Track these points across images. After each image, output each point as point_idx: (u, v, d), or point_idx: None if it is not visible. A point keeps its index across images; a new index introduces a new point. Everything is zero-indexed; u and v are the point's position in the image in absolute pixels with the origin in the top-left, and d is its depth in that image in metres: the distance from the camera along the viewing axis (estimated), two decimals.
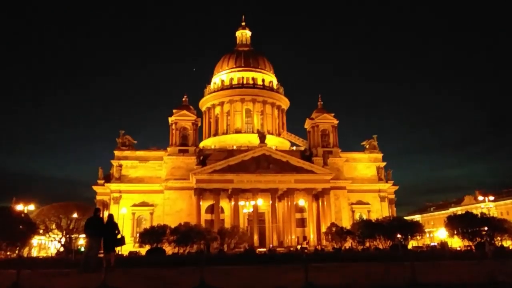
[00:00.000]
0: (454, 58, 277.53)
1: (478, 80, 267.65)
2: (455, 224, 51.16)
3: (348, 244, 59.02)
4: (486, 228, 47.84)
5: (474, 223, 48.97)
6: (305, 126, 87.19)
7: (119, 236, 20.47)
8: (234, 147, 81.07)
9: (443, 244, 65.50)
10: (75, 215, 55.96)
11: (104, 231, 20.00)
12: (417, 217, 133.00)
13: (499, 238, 49.42)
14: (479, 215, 51.26)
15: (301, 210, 79.33)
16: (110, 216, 21.62)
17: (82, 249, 64.04)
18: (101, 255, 20.81)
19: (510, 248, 51.55)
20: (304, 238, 76.75)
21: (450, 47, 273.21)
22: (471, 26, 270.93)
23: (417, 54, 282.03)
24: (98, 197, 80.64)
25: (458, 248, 55.03)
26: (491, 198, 76.43)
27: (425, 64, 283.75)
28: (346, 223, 69.33)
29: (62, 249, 55.42)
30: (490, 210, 76.22)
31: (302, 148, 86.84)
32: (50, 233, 57.11)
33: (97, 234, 19.80)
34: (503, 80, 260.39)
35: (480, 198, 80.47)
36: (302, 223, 79.25)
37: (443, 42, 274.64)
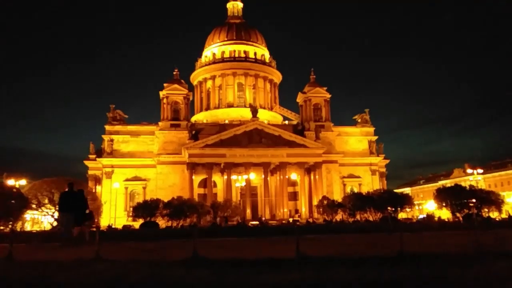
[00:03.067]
0: (445, 33, 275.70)
1: (470, 54, 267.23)
2: (443, 196, 52.20)
3: (339, 216, 60.05)
4: (474, 200, 48.88)
5: (462, 195, 49.97)
6: (298, 100, 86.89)
7: (87, 211, 21.00)
8: (226, 121, 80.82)
9: (429, 216, 67.02)
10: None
11: (76, 206, 20.29)
12: (407, 190, 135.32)
13: (486, 210, 50.63)
14: (468, 187, 52.28)
15: (293, 183, 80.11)
16: (80, 191, 21.97)
17: None
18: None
19: (497, 219, 52.87)
20: (296, 211, 77.85)
21: (442, 22, 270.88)
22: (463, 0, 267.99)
23: (409, 28, 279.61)
24: (90, 172, 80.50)
25: (447, 220, 56.37)
26: (480, 171, 77.76)
27: (417, 38, 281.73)
28: (338, 196, 70.32)
29: (55, 223, 55.57)
30: (478, 183, 77.72)
31: (295, 122, 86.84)
32: (42, 208, 57.14)
33: (68, 210, 20.08)
34: (494, 55, 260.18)
35: (469, 171, 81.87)
36: (294, 196, 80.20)
37: (435, 16, 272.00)
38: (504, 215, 58.17)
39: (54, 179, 57.13)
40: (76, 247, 17.69)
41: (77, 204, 20.42)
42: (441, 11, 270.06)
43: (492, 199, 50.14)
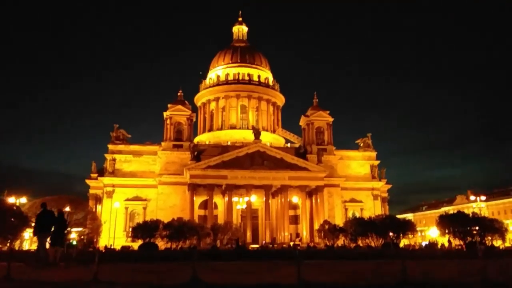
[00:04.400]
0: (448, 58, 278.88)
1: (472, 80, 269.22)
2: (446, 223, 51.55)
3: (340, 241, 59.27)
4: (477, 228, 48.27)
5: (465, 222, 49.37)
6: (300, 123, 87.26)
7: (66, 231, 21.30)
8: (229, 143, 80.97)
9: (432, 243, 66.12)
10: (67, 209, 55.62)
11: (50, 226, 20.36)
12: (409, 216, 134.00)
13: (489, 238, 49.87)
14: (471, 214, 51.70)
15: (294, 207, 79.53)
16: (60, 213, 22.19)
17: (74, 242, 63.88)
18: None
19: (501, 247, 52.09)
20: (297, 235, 76.97)
21: (445, 47, 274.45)
22: (466, 26, 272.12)
23: (412, 53, 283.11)
24: (91, 191, 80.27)
25: (451, 247, 55.51)
26: (483, 198, 77.15)
27: (420, 63, 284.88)
28: (339, 221, 69.60)
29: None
30: (481, 210, 76.91)
31: (297, 145, 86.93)
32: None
33: (43, 230, 20.15)
34: (497, 81, 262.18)
35: (472, 198, 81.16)
36: (295, 220, 79.46)
37: (438, 42, 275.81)
38: (508, 244, 57.31)
39: (55, 198, 56.94)
40: (50, 269, 17.57)
41: (52, 225, 20.52)
42: (446, 37, 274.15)
43: (495, 227, 49.45)
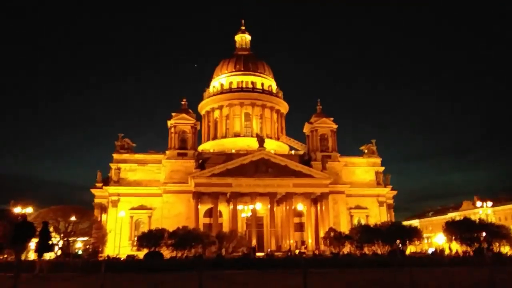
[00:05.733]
0: (454, 64, 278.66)
1: (478, 86, 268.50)
2: (453, 229, 51.10)
3: (346, 249, 58.85)
4: (484, 234, 47.83)
5: (472, 228, 48.92)
6: (304, 130, 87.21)
7: (50, 242, 21.63)
8: (233, 151, 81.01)
9: (439, 250, 65.50)
10: (73, 218, 55.81)
11: (27, 238, 20.54)
12: (415, 222, 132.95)
13: (497, 244, 49.38)
14: (477, 220, 51.27)
15: (299, 214, 79.20)
16: (45, 223, 22.63)
17: (80, 252, 63.91)
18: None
19: (508, 254, 51.48)
20: (303, 242, 76.56)
21: (451, 53, 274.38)
22: (471, 33, 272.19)
23: (417, 59, 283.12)
24: (96, 200, 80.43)
25: (458, 254, 54.99)
26: (490, 203, 76.31)
27: (425, 70, 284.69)
28: (345, 228, 69.20)
29: (59, 252, 55.21)
30: (488, 216, 76.22)
31: (301, 152, 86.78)
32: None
33: (17, 243, 20.31)
34: (503, 87, 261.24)
35: (478, 203, 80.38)
36: (300, 227, 79.10)
37: (444, 47, 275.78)
38: None
39: (60, 207, 57.23)
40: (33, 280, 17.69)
41: (28, 237, 20.68)
42: (451, 44, 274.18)
43: (503, 233, 48.95)
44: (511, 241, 50.53)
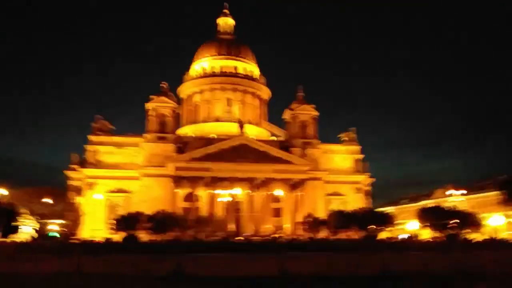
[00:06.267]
0: (432, 55, 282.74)
1: (455, 79, 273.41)
2: (425, 216, 52.88)
3: (322, 234, 59.98)
4: (454, 221, 49.60)
5: (444, 215, 50.72)
6: (285, 117, 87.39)
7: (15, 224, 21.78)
8: (214, 136, 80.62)
9: (412, 236, 67.55)
10: (48, 200, 54.86)
11: None
12: (390, 209, 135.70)
13: (467, 231, 51.33)
14: (449, 208, 53.10)
15: (278, 200, 79.88)
16: (10, 205, 22.67)
17: (55, 234, 63.04)
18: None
19: (478, 240, 53.55)
20: (280, 227, 77.45)
21: (429, 44, 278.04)
22: (449, 23, 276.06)
23: (397, 50, 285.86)
24: (71, 183, 78.72)
25: (429, 239, 56.91)
26: (462, 192, 79.03)
27: (405, 60, 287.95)
28: (322, 214, 70.31)
29: (34, 233, 54.36)
30: (460, 204, 78.75)
31: (282, 139, 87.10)
32: (22, 218, 55.82)
33: None
34: (478, 80, 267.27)
35: (450, 192, 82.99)
36: (278, 212, 79.87)
37: (422, 39, 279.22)
38: (484, 236, 59.01)
39: (35, 189, 56.20)
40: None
41: (6, 218, 20.67)
42: (429, 35, 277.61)
43: (472, 220, 50.99)
44: (480, 228, 52.67)
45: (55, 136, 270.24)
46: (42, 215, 54.52)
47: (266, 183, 73.80)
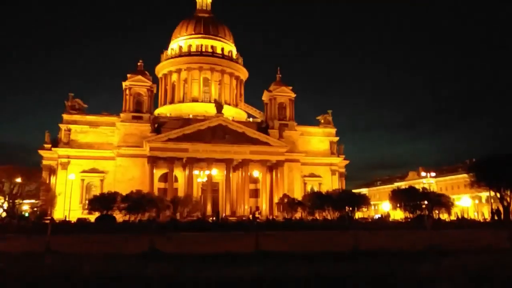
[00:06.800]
0: (406, 38, 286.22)
1: (427, 60, 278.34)
2: (398, 197, 54.59)
3: (298, 214, 60.99)
4: (426, 202, 51.44)
5: (415, 197, 52.52)
6: (263, 98, 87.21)
7: None
8: (191, 116, 79.76)
9: (384, 216, 69.61)
10: (18, 180, 53.29)
11: None
12: (364, 191, 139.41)
13: (437, 211, 53.41)
14: (421, 190, 54.90)
15: (255, 181, 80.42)
16: None
17: (27, 214, 61.58)
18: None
19: (447, 220, 55.74)
20: (257, 208, 78.20)
21: (403, 26, 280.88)
22: (424, 8, 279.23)
23: (373, 35, 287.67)
24: (44, 162, 76.94)
25: (401, 219, 58.80)
26: (433, 174, 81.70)
27: (380, 44, 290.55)
28: (298, 195, 71.31)
29: (4, 214, 52.90)
30: (431, 186, 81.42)
31: (259, 120, 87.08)
32: None
33: None
34: (449, 66, 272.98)
35: (423, 174, 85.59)
36: (255, 193, 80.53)
37: (397, 21, 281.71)
38: (453, 217, 61.50)
39: (5, 168, 54.28)
40: None
41: None
42: (407, 19, 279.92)
43: (443, 202, 52.99)
44: (450, 208, 54.85)
45: (29, 116, 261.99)
46: (12, 195, 52.96)
47: (243, 164, 73.97)
